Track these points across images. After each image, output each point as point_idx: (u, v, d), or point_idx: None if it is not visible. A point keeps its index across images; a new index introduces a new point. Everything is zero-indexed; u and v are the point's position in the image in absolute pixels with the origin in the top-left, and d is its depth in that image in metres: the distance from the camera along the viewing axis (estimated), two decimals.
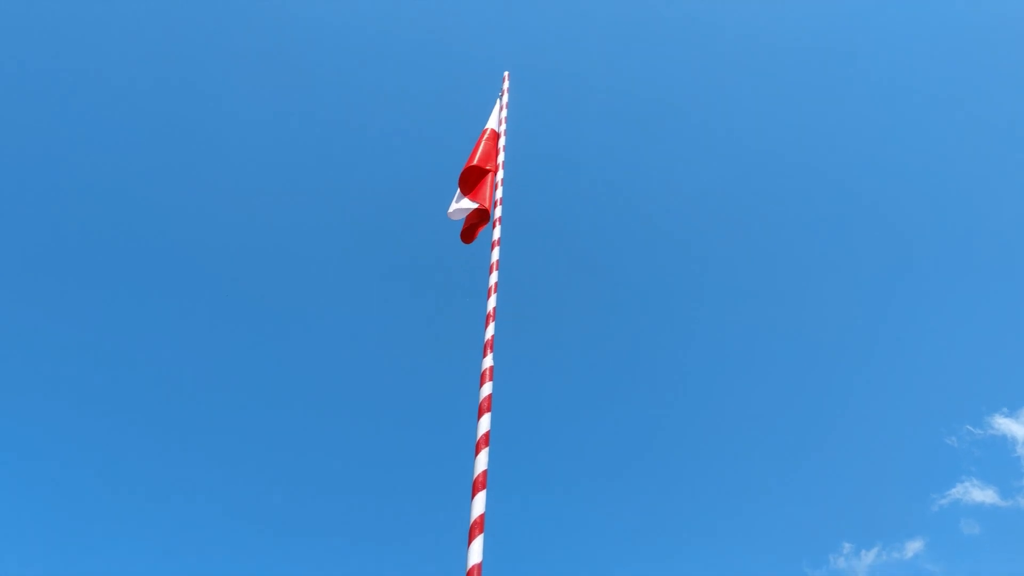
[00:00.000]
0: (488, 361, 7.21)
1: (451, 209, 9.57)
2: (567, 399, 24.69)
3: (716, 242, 26.85)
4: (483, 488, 6.08)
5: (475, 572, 5.50)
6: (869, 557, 20.08)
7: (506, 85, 11.06)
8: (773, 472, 23.04)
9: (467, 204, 9.48)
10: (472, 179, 9.63)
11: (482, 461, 6.29)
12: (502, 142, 10.04)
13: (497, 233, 8.72)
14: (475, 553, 5.62)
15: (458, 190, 9.69)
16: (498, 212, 9.04)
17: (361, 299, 25.60)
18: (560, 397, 24.71)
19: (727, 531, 21.67)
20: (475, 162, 9.62)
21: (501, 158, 9.82)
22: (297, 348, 24.62)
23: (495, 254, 8.39)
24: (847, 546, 20.37)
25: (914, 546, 20.05)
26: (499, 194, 9.29)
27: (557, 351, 25.65)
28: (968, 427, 21.63)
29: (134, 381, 22.76)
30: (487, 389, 6.92)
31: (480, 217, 9.49)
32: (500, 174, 9.60)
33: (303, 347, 24.59)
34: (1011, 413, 21.44)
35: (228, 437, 22.55)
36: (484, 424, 6.61)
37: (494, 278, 8.11)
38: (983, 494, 20.50)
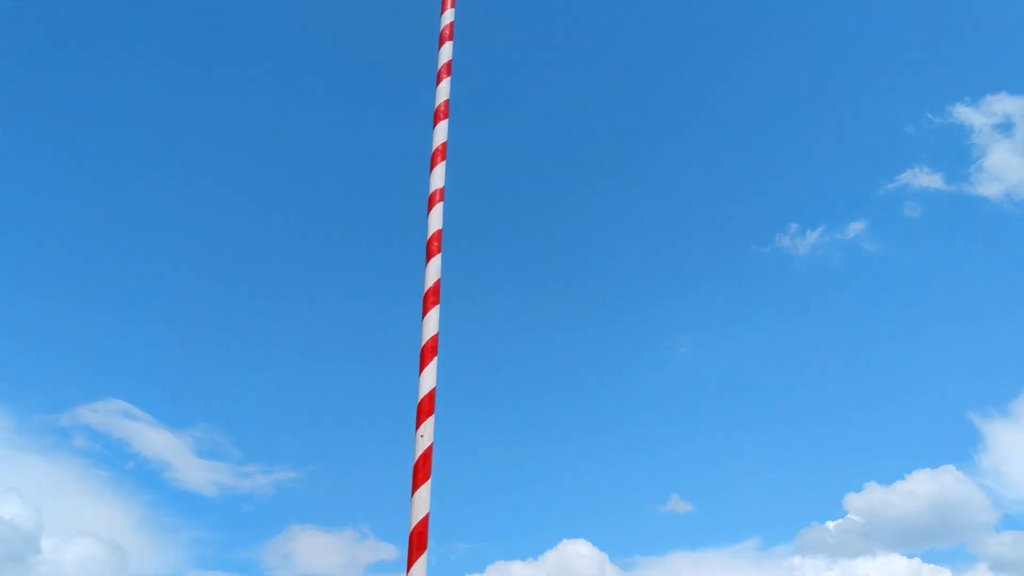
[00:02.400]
0: (448, 16, 7.29)
1: None
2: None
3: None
4: (442, 160, 6.90)
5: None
6: (813, 236, 20.68)
7: None
8: (728, 154, 22.15)
9: None
10: None
11: (441, 133, 6.96)
12: None
13: None
14: (436, 212, 6.75)
15: None
16: None
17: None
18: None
19: (680, 209, 21.90)
20: None
21: None
22: None
23: None
24: (793, 226, 20.84)
25: (856, 227, 20.35)
26: None
27: None
28: (928, 115, 19.98)
29: None
30: (447, 51, 7.19)
31: None
32: None
33: None
34: (973, 102, 19.35)
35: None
36: (443, 90, 7.09)
37: None
38: (930, 179, 19.98)
